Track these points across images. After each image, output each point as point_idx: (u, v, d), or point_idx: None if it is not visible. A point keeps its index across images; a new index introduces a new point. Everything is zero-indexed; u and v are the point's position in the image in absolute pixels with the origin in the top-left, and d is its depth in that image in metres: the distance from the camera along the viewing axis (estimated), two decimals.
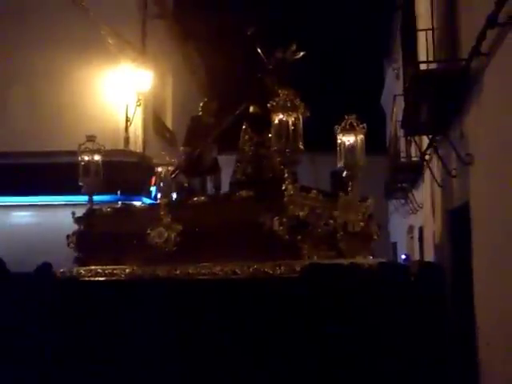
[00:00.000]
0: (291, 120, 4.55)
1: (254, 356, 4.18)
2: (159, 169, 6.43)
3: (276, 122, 4.58)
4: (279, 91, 4.69)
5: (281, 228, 4.33)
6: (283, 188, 4.46)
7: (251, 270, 4.32)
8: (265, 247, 4.40)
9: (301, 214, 4.38)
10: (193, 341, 4.45)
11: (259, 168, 5.62)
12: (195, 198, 5.06)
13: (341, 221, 5.06)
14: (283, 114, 4.55)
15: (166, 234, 4.93)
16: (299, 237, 4.38)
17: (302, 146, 4.58)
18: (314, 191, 4.80)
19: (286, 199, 4.42)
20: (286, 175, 4.52)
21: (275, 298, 4.12)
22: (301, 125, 4.60)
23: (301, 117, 4.61)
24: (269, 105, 4.66)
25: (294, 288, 4.06)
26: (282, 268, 4.20)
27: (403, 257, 15.42)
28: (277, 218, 4.37)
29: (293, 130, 4.54)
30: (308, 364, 3.99)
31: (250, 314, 4.21)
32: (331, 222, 4.97)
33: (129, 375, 4.67)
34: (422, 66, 6.26)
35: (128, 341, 4.76)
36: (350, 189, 5.43)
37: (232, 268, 4.42)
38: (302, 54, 5.61)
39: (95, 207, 5.83)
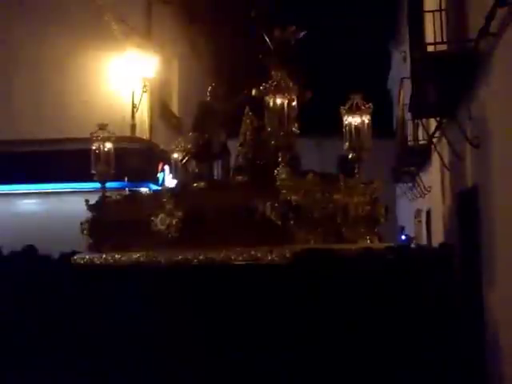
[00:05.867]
0: (285, 103, 4.47)
1: (243, 345, 4.17)
2: (175, 155, 6.42)
3: (269, 104, 4.50)
4: (272, 73, 4.60)
5: (273, 213, 4.28)
6: (275, 172, 4.39)
7: (245, 255, 4.29)
8: (259, 233, 4.35)
9: (293, 198, 4.31)
10: (185, 328, 4.47)
11: (259, 152, 5.57)
12: (195, 184, 5.04)
13: (341, 204, 4.99)
14: (276, 96, 4.47)
15: (167, 221, 4.94)
16: (292, 222, 4.31)
17: (296, 130, 4.50)
18: (311, 174, 4.70)
19: (278, 183, 4.36)
20: (280, 159, 4.45)
21: (266, 285, 4.10)
22: (295, 107, 4.51)
23: (295, 99, 4.51)
24: (261, 87, 4.58)
25: (283, 274, 4.03)
26: (273, 254, 4.16)
27: (403, 237, 15.40)
28: (269, 202, 4.32)
29: (287, 113, 4.45)
30: (295, 355, 3.96)
31: (239, 300, 4.20)
32: (331, 205, 4.88)
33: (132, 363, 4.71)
34: (430, 48, 6.20)
35: (127, 328, 4.81)
36: (356, 171, 5.37)
37: (227, 254, 4.40)
38: (302, 33, 5.52)
39: (108, 194, 5.85)
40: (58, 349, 5.15)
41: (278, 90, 4.45)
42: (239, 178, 4.75)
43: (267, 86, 4.48)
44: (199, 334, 4.40)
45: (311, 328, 3.92)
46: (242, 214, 4.47)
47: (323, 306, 3.93)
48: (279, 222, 4.25)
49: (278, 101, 4.44)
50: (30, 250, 5.91)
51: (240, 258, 4.29)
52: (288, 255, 4.07)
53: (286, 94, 4.45)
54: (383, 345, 4.08)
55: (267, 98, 4.48)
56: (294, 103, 4.48)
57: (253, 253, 4.24)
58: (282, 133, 4.42)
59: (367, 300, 4.08)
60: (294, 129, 4.46)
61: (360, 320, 4.02)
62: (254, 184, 4.60)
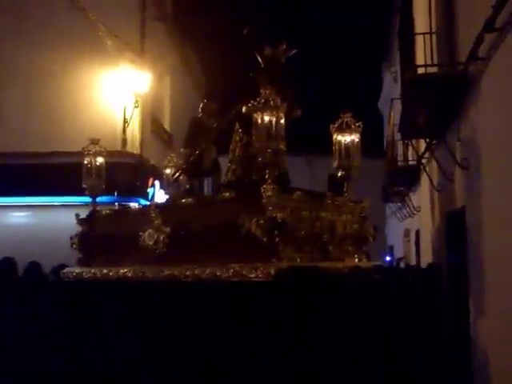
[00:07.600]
0: (273, 120, 4.48)
1: (228, 361, 4.15)
2: (167, 170, 6.43)
3: (257, 121, 4.51)
4: (260, 91, 4.61)
5: (258, 230, 4.28)
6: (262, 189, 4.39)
7: (231, 272, 4.29)
8: (245, 249, 4.34)
9: (279, 215, 4.32)
10: (171, 343, 4.45)
11: (248, 169, 5.57)
12: (183, 200, 5.04)
13: (329, 222, 5.00)
14: (263, 113, 4.49)
15: (155, 236, 4.94)
16: (277, 239, 4.32)
17: (283, 147, 4.51)
18: (298, 192, 4.71)
19: (264, 201, 4.36)
20: (267, 176, 4.46)
21: (250, 302, 4.09)
22: (283, 125, 4.53)
23: (283, 117, 4.53)
24: (249, 104, 4.60)
25: (267, 291, 4.03)
26: (257, 271, 4.16)
27: (388, 258, 15.44)
28: (255, 219, 4.32)
29: (274, 130, 4.47)
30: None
31: (223, 316, 4.19)
32: (318, 223, 4.89)
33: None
34: (420, 70, 6.27)
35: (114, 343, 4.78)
36: (345, 189, 5.38)
37: (212, 270, 4.40)
38: (293, 52, 5.56)
39: (97, 209, 5.84)
40: (45, 362, 5.11)
41: (266, 108, 4.46)
42: (226, 194, 4.74)
43: (255, 103, 4.50)
44: (185, 349, 4.38)
45: (294, 347, 3.91)
46: (228, 231, 4.46)
47: (306, 323, 3.92)
48: (265, 239, 4.25)
49: (266, 118, 4.44)
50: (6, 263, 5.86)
51: (225, 275, 4.28)
52: (272, 272, 4.07)
53: (274, 112, 4.45)
54: (368, 364, 4.08)
55: (255, 115, 4.49)
56: (282, 121, 4.49)
57: (238, 269, 4.23)
58: (269, 150, 4.43)
59: (350, 319, 4.07)
60: (281, 146, 4.47)
61: (345, 339, 4.01)
62: (240, 200, 4.60)
